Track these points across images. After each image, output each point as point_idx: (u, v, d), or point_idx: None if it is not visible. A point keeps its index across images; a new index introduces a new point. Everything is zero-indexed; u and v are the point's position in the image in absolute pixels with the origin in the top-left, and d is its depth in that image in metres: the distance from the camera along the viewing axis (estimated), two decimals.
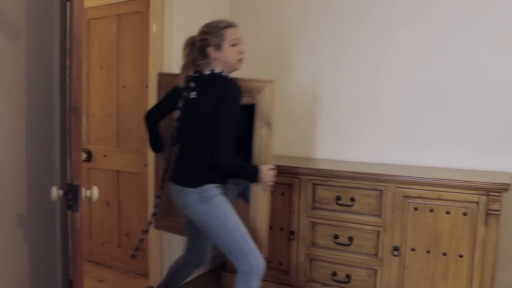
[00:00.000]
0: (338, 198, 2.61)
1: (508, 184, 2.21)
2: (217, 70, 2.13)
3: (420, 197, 2.42)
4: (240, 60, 2.15)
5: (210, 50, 2.10)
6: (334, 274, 2.66)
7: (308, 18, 3.15)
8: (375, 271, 2.56)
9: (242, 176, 2.19)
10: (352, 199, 2.58)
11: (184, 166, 2.16)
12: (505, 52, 2.60)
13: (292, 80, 3.23)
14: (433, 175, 2.45)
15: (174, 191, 2.18)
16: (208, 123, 2.05)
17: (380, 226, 2.52)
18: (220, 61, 2.12)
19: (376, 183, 2.51)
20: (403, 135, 2.89)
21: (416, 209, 2.43)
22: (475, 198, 2.30)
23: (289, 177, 2.72)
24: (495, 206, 2.24)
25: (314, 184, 2.68)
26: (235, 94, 2.06)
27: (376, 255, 2.55)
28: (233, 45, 2.11)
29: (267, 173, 2.16)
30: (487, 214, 2.27)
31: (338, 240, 2.63)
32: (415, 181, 2.42)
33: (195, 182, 2.08)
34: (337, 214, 2.63)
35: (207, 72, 2.13)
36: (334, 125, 3.11)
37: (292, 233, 2.75)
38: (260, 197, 2.25)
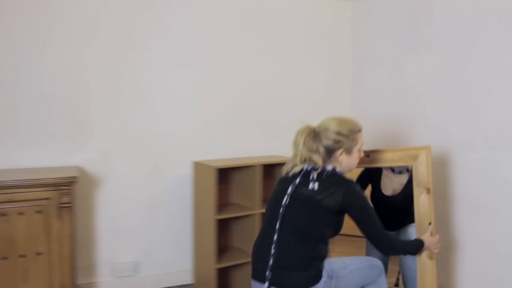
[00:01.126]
0: None
1: (75, 177, 2.38)
2: (338, 169, 1.95)
3: None
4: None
5: (340, 152, 1.95)
6: None
7: None
8: None
9: (409, 253, 2.13)
10: None
11: (281, 261, 1.88)
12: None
13: None
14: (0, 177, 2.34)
15: None
16: (323, 217, 1.88)
17: None
18: (342, 163, 1.97)
19: None
20: None
21: None
22: (47, 194, 2.34)
23: None
24: (66, 199, 2.36)
25: None
26: (361, 194, 1.93)
27: None
28: (358, 151, 2.02)
29: (432, 241, 2.13)
30: (60, 208, 2.36)
31: None
32: None
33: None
34: None
35: (329, 168, 1.93)
36: None
37: None
38: (427, 266, 2.20)
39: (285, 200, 1.92)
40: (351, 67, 3.62)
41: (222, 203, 3.02)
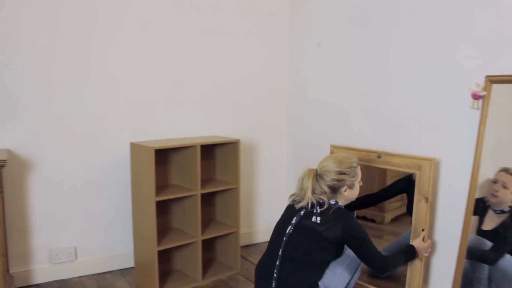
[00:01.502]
0: None
1: (3, 161, 2.26)
2: (340, 203, 2.15)
3: None
4: None
5: (345, 189, 2.14)
6: None
7: None
8: None
9: (405, 263, 2.43)
10: None
11: (283, 285, 2.08)
12: None
13: None
14: None
15: None
16: (323, 246, 2.06)
17: None
18: (345, 196, 2.16)
19: None
20: None
21: None
22: None
23: None
24: None
25: None
26: (358, 226, 2.09)
27: None
28: (359, 181, 2.20)
29: (422, 246, 2.38)
30: None
31: None
32: None
33: None
34: None
35: (332, 202, 2.12)
36: None
37: None
38: (416, 265, 2.47)
39: (289, 229, 2.10)
40: (289, 48, 3.64)
41: (162, 185, 2.98)
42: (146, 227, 2.74)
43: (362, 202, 2.71)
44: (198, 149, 2.78)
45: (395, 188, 2.76)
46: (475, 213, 2.29)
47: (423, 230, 2.44)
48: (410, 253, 2.34)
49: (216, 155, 3.21)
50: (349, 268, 2.15)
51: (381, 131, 2.87)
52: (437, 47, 2.50)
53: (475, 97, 2.24)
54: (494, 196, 2.22)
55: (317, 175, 2.15)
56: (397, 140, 2.75)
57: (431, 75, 2.54)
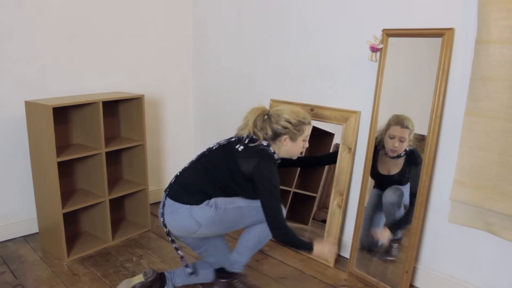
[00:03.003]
0: None
1: None
2: (274, 151, 2.12)
3: None
4: (300, 153, 2.23)
5: (285, 138, 2.13)
6: None
7: None
8: None
9: (293, 247, 2.58)
10: None
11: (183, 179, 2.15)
12: None
13: None
14: None
15: None
16: (233, 174, 2.08)
17: None
18: (283, 148, 2.15)
19: None
20: None
21: None
22: None
23: None
24: None
25: None
26: (271, 170, 2.05)
27: None
28: (303, 140, 2.18)
29: (321, 250, 2.18)
30: None
31: None
32: None
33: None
34: None
35: (264, 143, 2.11)
36: None
37: None
38: (336, 213, 2.66)
39: (213, 145, 2.18)
40: (192, 1, 3.57)
41: (63, 145, 2.84)
42: (48, 190, 2.62)
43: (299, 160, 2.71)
44: (100, 106, 2.68)
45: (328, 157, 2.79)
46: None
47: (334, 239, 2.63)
48: (305, 245, 2.14)
49: (120, 112, 3.11)
50: (249, 211, 2.12)
51: (285, 83, 2.98)
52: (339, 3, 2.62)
53: (373, 49, 2.39)
54: (394, 151, 2.39)
55: (267, 115, 2.15)
56: (303, 93, 2.88)
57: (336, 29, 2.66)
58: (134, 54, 3.30)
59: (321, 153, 2.81)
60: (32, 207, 2.90)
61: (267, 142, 2.11)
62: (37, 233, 2.94)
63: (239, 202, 2.11)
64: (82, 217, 3.01)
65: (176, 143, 3.72)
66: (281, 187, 2.55)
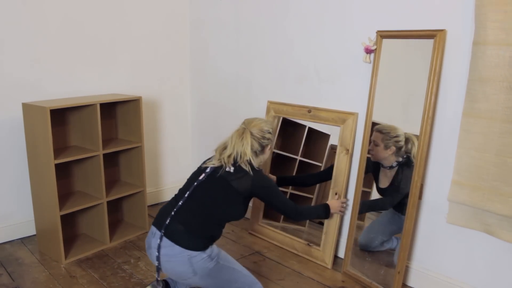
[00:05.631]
0: None
1: None
2: (254, 164, 2.15)
3: None
4: None
5: (269, 147, 2.24)
6: None
7: None
8: None
9: (318, 217, 2.63)
10: None
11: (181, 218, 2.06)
12: None
13: None
14: None
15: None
16: (232, 198, 2.09)
17: None
18: (261, 156, 2.22)
19: None
20: None
21: None
22: None
23: None
24: None
25: None
26: (267, 179, 2.23)
27: None
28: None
29: (336, 204, 2.56)
30: None
31: None
32: None
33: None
34: None
35: (247, 159, 2.12)
36: None
37: None
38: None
39: (202, 176, 2.12)
40: (189, 1, 3.57)
41: (61, 147, 2.84)
42: (46, 192, 2.62)
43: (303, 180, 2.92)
44: (98, 108, 2.68)
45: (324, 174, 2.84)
46: (368, 171, 2.51)
47: (336, 193, 2.62)
48: (323, 209, 2.49)
49: (117, 114, 3.11)
50: (242, 279, 2.11)
51: (282, 85, 2.99)
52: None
53: (368, 51, 2.40)
54: (371, 154, 2.46)
55: (251, 133, 2.14)
56: (300, 95, 2.89)
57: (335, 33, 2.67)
58: (131, 57, 3.31)
59: (317, 154, 2.84)
60: (30, 209, 2.89)
61: (249, 158, 2.12)
62: (35, 235, 2.94)
63: (235, 264, 2.13)
64: (79, 219, 3.01)
65: (174, 145, 3.72)
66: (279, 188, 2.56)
